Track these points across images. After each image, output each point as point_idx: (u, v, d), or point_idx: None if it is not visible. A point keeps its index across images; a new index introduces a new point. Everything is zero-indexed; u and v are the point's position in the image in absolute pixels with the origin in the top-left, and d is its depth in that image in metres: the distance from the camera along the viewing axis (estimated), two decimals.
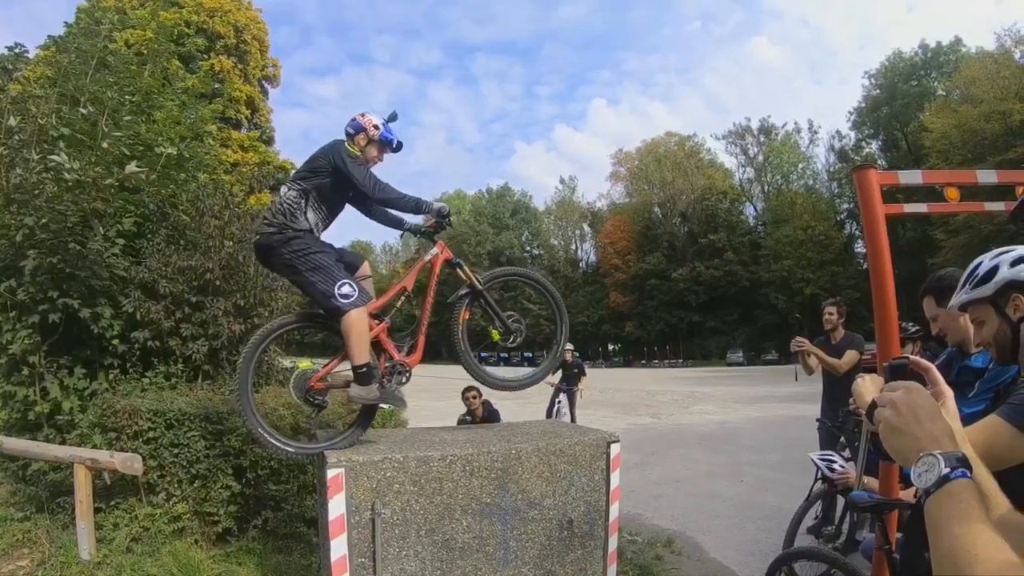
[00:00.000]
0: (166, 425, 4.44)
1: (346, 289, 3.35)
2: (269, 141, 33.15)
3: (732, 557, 5.03)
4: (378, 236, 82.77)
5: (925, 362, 1.16)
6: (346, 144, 3.63)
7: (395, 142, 3.85)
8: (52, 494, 4.74)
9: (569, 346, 9.98)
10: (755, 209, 65.07)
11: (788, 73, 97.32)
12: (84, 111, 5.44)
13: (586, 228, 73.98)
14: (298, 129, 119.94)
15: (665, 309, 60.83)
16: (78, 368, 5.04)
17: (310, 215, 3.55)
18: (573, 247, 74.85)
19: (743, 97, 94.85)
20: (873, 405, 1.01)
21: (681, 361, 56.84)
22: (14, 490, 4.95)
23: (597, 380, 19.44)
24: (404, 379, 3.63)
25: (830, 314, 5.53)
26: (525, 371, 4.25)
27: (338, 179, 3.53)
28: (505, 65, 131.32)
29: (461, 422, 6.19)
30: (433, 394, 12.87)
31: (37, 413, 4.86)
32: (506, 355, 49.90)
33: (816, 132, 62.04)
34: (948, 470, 0.82)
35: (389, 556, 3.17)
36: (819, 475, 4.29)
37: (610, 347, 65.93)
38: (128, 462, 4.10)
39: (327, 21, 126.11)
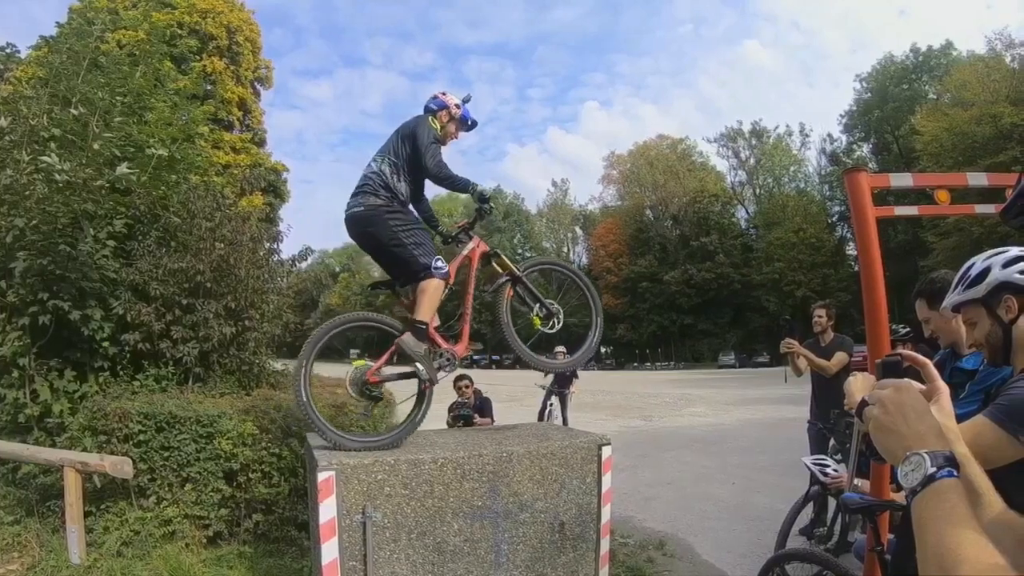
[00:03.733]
0: (156, 428, 4.42)
1: (439, 264, 3.69)
2: (261, 143, 32.86)
3: (724, 559, 5.04)
4: None
5: (921, 357, 1.15)
6: (430, 120, 3.84)
7: (471, 120, 4.12)
8: (42, 497, 4.70)
9: (561, 348, 9.93)
10: (747, 212, 65.16)
11: (780, 76, 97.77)
12: (75, 112, 5.41)
13: (578, 231, 73.96)
14: (291, 131, 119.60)
15: (657, 312, 60.78)
16: (68, 370, 5.02)
17: (403, 187, 3.75)
18: (565, 250, 74.65)
19: (735, 100, 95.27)
20: (863, 403, 1.00)
21: (673, 363, 56.80)
22: (4, 493, 4.90)
23: (589, 383, 19.37)
24: (450, 368, 3.80)
25: (819, 316, 5.55)
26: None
27: (418, 152, 3.71)
28: (497, 67, 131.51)
29: (453, 408, 6.20)
30: None
31: (27, 416, 4.83)
32: (498, 357, 50.12)
33: (807, 135, 62.28)
34: (934, 469, 0.81)
35: (380, 559, 3.16)
36: (813, 480, 4.30)
37: (602, 350, 65.75)
38: (118, 465, 4.08)
39: (320, 23, 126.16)
